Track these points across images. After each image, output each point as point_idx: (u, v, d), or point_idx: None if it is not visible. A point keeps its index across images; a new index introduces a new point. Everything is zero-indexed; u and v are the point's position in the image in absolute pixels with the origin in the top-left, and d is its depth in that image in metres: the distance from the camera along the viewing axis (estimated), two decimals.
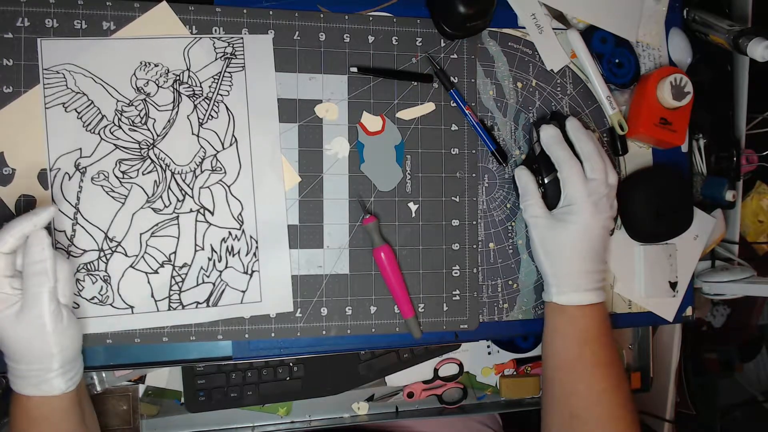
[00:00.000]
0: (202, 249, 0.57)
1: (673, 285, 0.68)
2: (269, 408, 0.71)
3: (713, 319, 0.96)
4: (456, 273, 0.63)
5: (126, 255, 0.56)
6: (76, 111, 0.55)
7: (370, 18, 0.61)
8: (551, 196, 0.59)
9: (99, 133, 0.55)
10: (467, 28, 0.61)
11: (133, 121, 0.56)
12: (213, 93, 0.58)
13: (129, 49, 0.56)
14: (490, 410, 0.77)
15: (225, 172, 0.58)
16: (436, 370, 0.74)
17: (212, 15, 0.58)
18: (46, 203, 0.54)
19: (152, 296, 0.56)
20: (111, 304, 0.55)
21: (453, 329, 0.63)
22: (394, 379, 0.73)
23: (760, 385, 1.02)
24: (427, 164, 0.62)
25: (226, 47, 0.58)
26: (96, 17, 0.56)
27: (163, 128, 0.57)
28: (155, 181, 0.56)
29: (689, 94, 0.63)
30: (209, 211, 0.57)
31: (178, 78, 0.57)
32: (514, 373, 0.76)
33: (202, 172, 0.57)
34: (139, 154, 0.56)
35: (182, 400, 0.68)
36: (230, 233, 0.57)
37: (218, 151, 0.57)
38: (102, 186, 0.55)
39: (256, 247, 0.58)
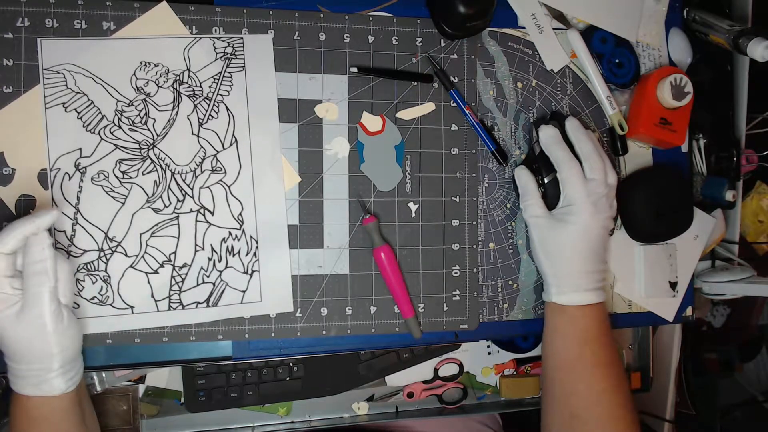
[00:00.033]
0: (202, 249, 0.57)
1: (673, 285, 0.68)
2: (269, 408, 0.71)
3: (713, 319, 0.96)
4: (456, 273, 0.63)
5: (126, 255, 0.56)
6: (76, 111, 0.55)
7: (370, 18, 0.61)
8: (551, 196, 0.59)
9: (99, 133, 0.55)
10: (467, 28, 0.61)
11: (133, 121, 0.56)
12: (213, 93, 0.58)
13: (129, 49, 0.56)
14: (490, 410, 0.77)
15: (225, 172, 0.58)
16: (436, 370, 0.74)
17: (212, 15, 0.58)
18: (46, 203, 0.54)
19: (152, 296, 0.56)
20: (111, 304, 0.55)
21: (453, 329, 0.63)
22: (394, 379, 0.73)
23: (760, 385, 1.02)
24: (427, 164, 0.62)
25: (226, 47, 0.58)
26: (96, 17, 0.56)
27: (163, 128, 0.57)
28: (155, 181, 0.56)
29: (689, 94, 0.63)
30: (209, 211, 0.57)
31: (178, 78, 0.57)
32: (514, 373, 0.76)
33: (202, 172, 0.57)
34: (139, 154, 0.56)
35: (182, 400, 0.68)
36: (230, 233, 0.57)
37: (218, 151, 0.57)
38: (102, 186, 0.55)
39: (256, 247, 0.58)
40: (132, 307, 0.56)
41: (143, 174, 0.56)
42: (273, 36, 0.59)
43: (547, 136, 0.59)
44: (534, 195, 0.60)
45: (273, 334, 0.58)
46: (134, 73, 0.56)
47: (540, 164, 0.60)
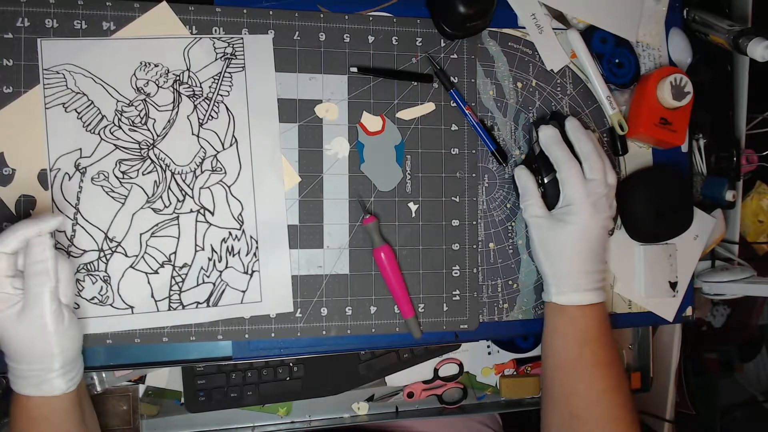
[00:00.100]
0: (203, 249, 0.57)
1: (673, 285, 0.68)
2: (269, 408, 0.71)
3: (713, 319, 0.96)
4: (456, 273, 0.63)
5: (126, 255, 0.56)
6: (76, 111, 0.55)
7: (370, 18, 0.61)
8: (551, 196, 0.59)
9: (99, 134, 0.55)
10: (467, 28, 0.61)
11: (133, 122, 0.56)
12: (213, 93, 0.58)
13: (129, 49, 0.56)
14: (490, 410, 0.77)
15: (225, 173, 0.58)
16: (436, 370, 0.74)
17: (212, 15, 0.58)
18: (46, 203, 0.54)
19: (152, 296, 0.56)
20: (111, 305, 0.55)
21: (453, 329, 0.63)
22: (394, 379, 0.73)
23: (760, 385, 1.02)
24: (427, 164, 0.62)
25: (226, 47, 0.58)
26: (96, 17, 0.56)
27: (163, 128, 0.57)
28: (155, 182, 0.56)
29: (689, 94, 0.63)
30: (209, 211, 0.57)
31: (178, 78, 0.57)
32: (514, 373, 0.76)
33: (202, 172, 0.57)
34: (139, 154, 0.56)
35: (182, 400, 0.68)
36: (230, 233, 0.57)
37: (218, 152, 0.57)
38: (102, 186, 0.55)
39: (256, 247, 0.58)
40: (132, 307, 0.56)
41: (143, 174, 0.56)
42: (273, 36, 0.59)
43: (547, 136, 0.59)
44: (534, 195, 0.60)
45: (273, 334, 0.58)
46: (134, 74, 0.56)
47: (540, 164, 0.60)
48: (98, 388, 0.65)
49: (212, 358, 0.59)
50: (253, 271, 0.58)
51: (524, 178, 0.61)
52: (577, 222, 0.56)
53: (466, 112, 0.62)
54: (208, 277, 0.57)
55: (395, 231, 0.61)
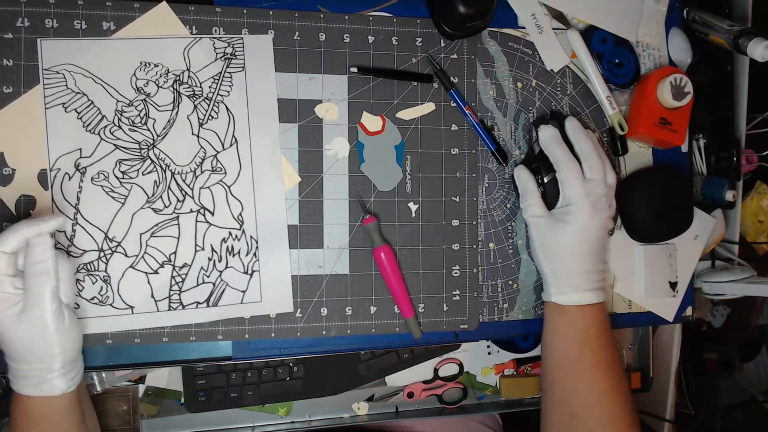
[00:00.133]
0: (203, 249, 0.57)
1: (673, 285, 0.68)
2: (269, 408, 0.71)
3: (713, 319, 0.96)
4: (456, 273, 0.63)
5: (126, 255, 0.56)
6: (76, 111, 0.55)
7: (370, 18, 0.61)
8: (550, 196, 0.59)
9: (99, 134, 0.55)
10: (467, 28, 0.61)
11: (133, 122, 0.56)
12: (213, 93, 0.58)
13: (129, 49, 0.56)
14: (490, 410, 0.77)
15: (225, 173, 0.58)
16: (436, 370, 0.74)
17: (212, 15, 0.58)
18: (46, 203, 0.54)
19: (152, 296, 0.56)
20: (111, 305, 0.55)
21: (453, 329, 0.63)
22: (394, 379, 0.73)
23: (760, 385, 1.02)
24: (427, 164, 0.62)
25: (226, 47, 0.58)
26: (96, 17, 0.56)
27: (163, 128, 0.57)
28: (155, 182, 0.56)
29: (689, 94, 0.63)
30: (209, 211, 0.57)
31: (178, 78, 0.57)
32: (514, 373, 0.76)
33: (202, 172, 0.57)
34: (139, 154, 0.56)
35: (182, 400, 0.68)
36: (230, 233, 0.57)
37: (218, 152, 0.57)
38: (102, 186, 0.55)
39: (256, 247, 0.58)
40: (132, 307, 0.56)
41: (143, 174, 0.56)
42: (273, 36, 0.59)
43: (547, 136, 0.59)
44: (534, 195, 0.60)
45: (273, 334, 0.58)
46: (134, 74, 0.56)
47: (539, 164, 0.60)
48: (98, 388, 0.65)
49: (212, 358, 0.59)
50: (253, 271, 0.58)
51: (524, 178, 0.61)
52: (577, 222, 0.56)
53: (466, 112, 0.62)
54: (208, 277, 0.57)
55: (395, 231, 0.61)
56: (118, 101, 0.56)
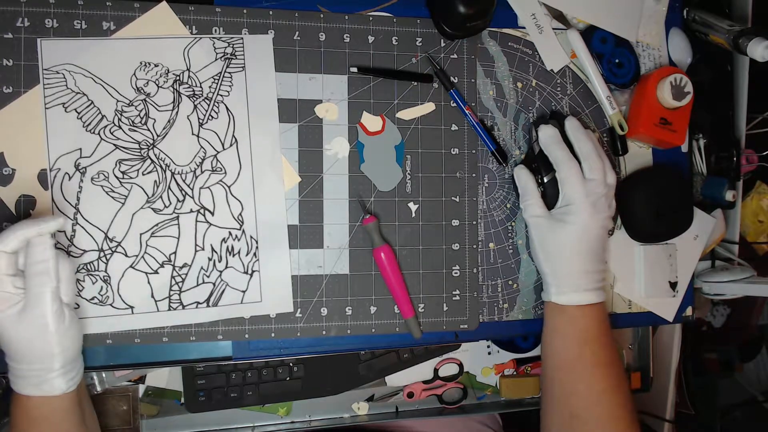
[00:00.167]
0: (203, 249, 0.57)
1: (673, 285, 0.68)
2: (269, 408, 0.71)
3: (713, 319, 0.96)
4: (456, 273, 0.63)
5: (126, 255, 0.56)
6: (76, 111, 0.55)
7: (370, 18, 0.61)
8: (550, 196, 0.59)
9: (99, 134, 0.55)
10: (467, 28, 0.61)
11: (133, 122, 0.56)
12: (213, 93, 0.58)
13: (129, 49, 0.56)
14: (490, 410, 0.77)
15: (225, 173, 0.58)
16: (436, 370, 0.74)
17: (212, 15, 0.58)
18: (46, 203, 0.54)
19: (152, 296, 0.56)
20: (111, 305, 0.55)
21: (453, 329, 0.63)
22: (394, 379, 0.73)
23: (760, 385, 1.02)
24: (427, 164, 0.62)
25: (226, 47, 0.58)
26: (96, 17, 0.56)
27: (163, 128, 0.57)
28: (155, 182, 0.56)
29: (689, 94, 0.63)
30: (209, 211, 0.57)
31: (178, 78, 0.57)
32: (514, 373, 0.76)
33: (202, 172, 0.57)
34: (139, 154, 0.56)
35: (182, 400, 0.68)
36: (230, 233, 0.57)
37: (218, 152, 0.57)
38: (102, 186, 0.55)
39: (256, 247, 0.58)
40: (132, 307, 0.56)
41: (143, 174, 0.56)
42: (273, 36, 0.59)
43: (547, 136, 0.59)
44: (533, 195, 0.60)
45: (273, 334, 0.58)
46: (134, 74, 0.56)
47: (539, 164, 0.60)
48: (98, 388, 0.65)
49: (212, 358, 0.59)
50: (253, 271, 0.58)
51: (524, 178, 0.61)
52: (577, 222, 0.56)
53: (466, 112, 0.62)
54: (208, 277, 0.57)
55: (395, 231, 0.61)
56: (118, 101, 0.56)
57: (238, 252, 0.57)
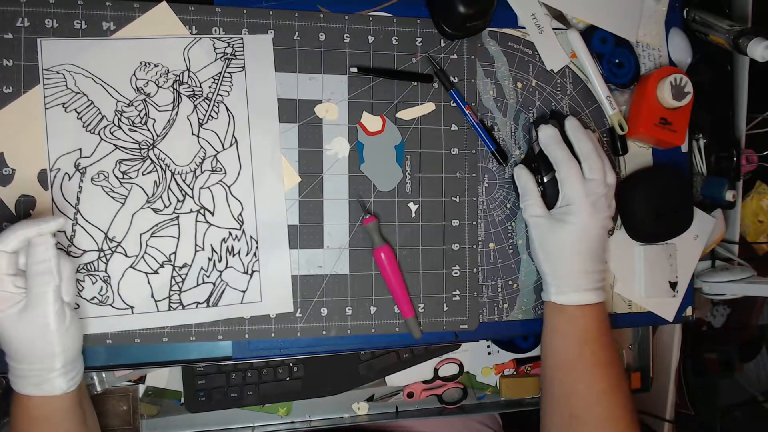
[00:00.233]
0: (203, 249, 0.57)
1: (673, 285, 0.68)
2: (269, 408, 0.71)
3: (713, 319, 0.96)
4: (456, 273, 0.63)
5: (126, 255, 0.56)
6: (76, 111, 0.55)
7: (370, 18, 0.61)
8: (550, 195, 0.59)
9: (99, 134, 0.55)
10: (467, 28, 0.61)
11: (133, 122, 0.56)
12: (213, 93, 0.58)
13: (129, 49, 0.56)
14: (490, 410, 0.77)
15: (225, 173, 0.58)
16: (436, 370, 0.74)
17: (212, 15, 0.58)
18: (46, 203, 0.54)
19: (152, 296, 0.56)
20: (111, 305, 0.55)
21: (453, 329, 0.63)
22: (394, 379, 0.73)
23: (760, 385, 1.02)
24: (427, 164, 0.62)
25: (226, 47, 0.58)
26: (96, 17, 0.56)
27: (163, 128, 0.57)
28: (155, 182, 0.56)
29: (689, 94, 0.63)
30: (209, 211, 0.57)
31: (178, 78, 0.57)
32: (514, 373, 0.76)
33: (202, 172, 0.57)
34: (139, 154, 0.56)
35: (182, 400, 0.68)
36: (230, 233, 0.57)
37: (218, 152, 0.57)
38: (102, 186, 0.55)
39: (256, 247, 0.58)
40: (132, 308, 0.56)
41: (143, 174, 0.56)
42: (273, 36, 0.59)
43: (547, 136, 0.59)
44: (533, 194, 0.60)
45: (273, 334, 0.58)
46: (134, 74, 0.56)
47: (539, 163, 0.60)
48: (98, 388, 0.65)
49: (212, 358, 0.59)
50: (253, 271, 0.58)
51: (524, 178, 0.61)
52: (577, 222, 0.56)
53: (466, 112, 0.62)
54: (208, 277, 0.57)
55: (395, 231, 0.61)
56: (118, 101, 0.56)
57: (238, 252, 0.58)
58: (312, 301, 0.59)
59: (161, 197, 0.56)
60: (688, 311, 0.70)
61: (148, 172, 0.56)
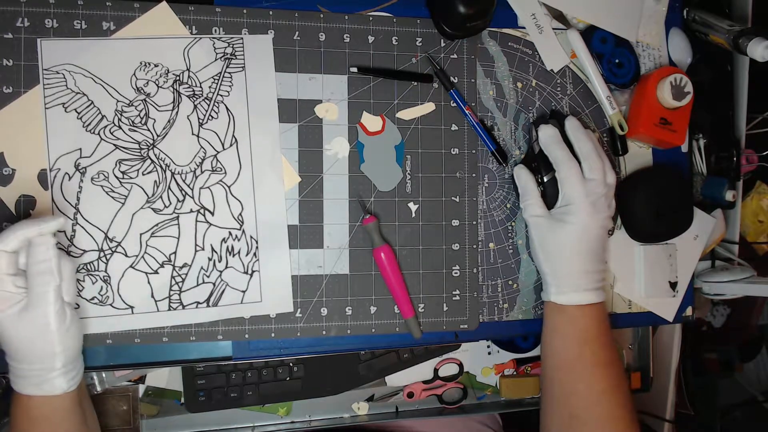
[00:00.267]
0: (203, 249, 0.57)
1: (673, 285, 0.68)
2: (269, 408, 0.71)
3: (713, 319, 0.96)
4: (456, 273, 0.63)
5: (126, 255, 0.56)
6: (76, 111, 0.55)
7: (370, 18, 0.61)
8: (550, 195, 0.59)
9: (99, 134, 0.55)
10: (467, 28, 0.61)
11: (133, 122, 0.56)
12: (213, 93, 0.58)
13: (129, 49, 0.56)
14: (490, 410, 0.77)
15: (225, 173, 0.58)
16: (436, 370, 0.74)
17: (212, 15, 0.58)
18: (46, 203, 0.54)
19: (152, 296, 0.56)
20: (111, 305, 0.55)
21: (453, 329, 0.63)
22: (394, 379, 0.73)
23: (760, 385, 1.02)
24: (427, 164, 0.62)
25: (226, 47, 0.58)
26: (96, 17, 0.56)
27: (163, 128, 0.57)
28: (155, 182, 0.56)
29: (689, 94, 0.63)
30: (209, 211, 0.57)
31: (178, 78, 0.57)
32: (514, 373, 0.76)
33: (202, 172, 0.57)
34: (139, 154, 0.56)
35: (182, 400, 0.68)
36: (230, 233, 0.57)
37: (218, 152, 0.58)
38: (102, 186, 0.55)
39: (256, 247, 0.58)
40: (132, 307, 0.56)
41: (143, 174, 0.56)
42: (273, 36, 0.59)
43: (547, 136, 0.59)
44: (533, 194, 0.60)
45: (273, 334, 0.58)
46: (134, 74, 0.56)
47: (539, 163, 0.60)
48: (98, 388, 0.65)
49: (212, 358, 0.59)
50: (253, 271, 0.58)
51: (524, 178, 0.61)
52: (576, 222, 0.56)
53: (466, 112, 0.62)
54: (208, 277, 0.57)
55: (395, 231, 0.61)
56: (118, 101, 0.56)
57: (238, 252, 0.58)
58: (312, 301, 0.59)
59: (161, 197, 0.56)
60: (688, 311, 0.70)
61: (148, 172, 0.56)
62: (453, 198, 0.63)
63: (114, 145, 0.56)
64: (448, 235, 0.62)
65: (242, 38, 0.58)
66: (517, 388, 0.75)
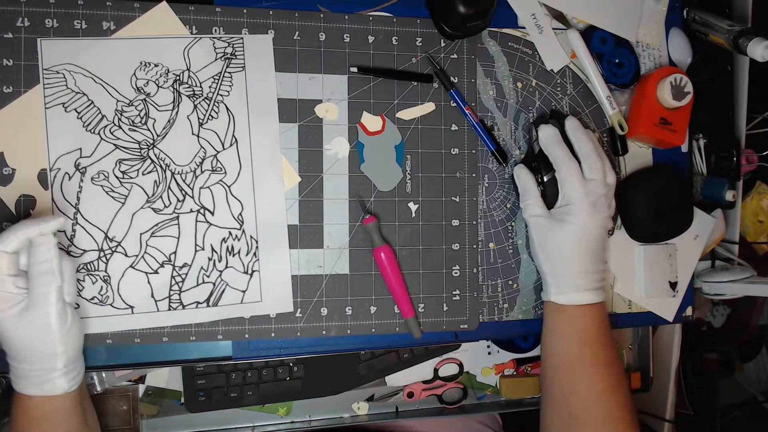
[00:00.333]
0: (203, 249, 0.57)
1: (673, 285, 0.68)
2: (269, 408, 0.71)
3: (713, 319, 0.96)
4: (456, 273, 0.63)
5: (126, 255, 0.56)
6: (76, 111, 0.55)
7: (370, 18, 0.61)
8: (550, 195, 0.59)
9: (99, 133, 0.55)
10: (467, 28, 0.61)
11: (133, 121, 0.56)
12: (213, 93, 0.58)
13: (129, 49, 0.56)
14: (490, 410, 0.77)
15: (225, 172, 0.58)
16: (436, 370, 0.74)
17: (212, 15, 0.58)
18: (46, 203, 0.54)
19: (152, 296, 0.56)
20: (111, 304, 0.55)
21: (453, 329, 0.63)
22: (394, 379, 0.73)
23: (760, 385, 1.02)
24: (427, 164, 0.62)
25: (226, 47, 0.58)
26: (96, 17, 0.56)
27: (163, 128, 0.57)
28: (155, 181, 0.56)
29: (689, 94, 0.63)
30: (209, 211, 0.57)
31: (178, 78, 0.57)
32: (514, 373, 0.76)
33: (202, 172, 0.57)
34: (139, 154, 0.56)
35: (182, 400, 0.68)
36: (230, 233, 0.57)
37: (218, 152, 0.58)
38: (102, 186, 0.55)
39: (256, 247, 0.58)
40: (132, 307, 0.56)
41: (143, 174, 0.56)
42: (273, 36, 0.59)
43: (547, 136, 0.59)
44: (533, 194, 0.60)
45: (273, 334, 0.58)
46: (134, 73, 0.56)
47: (539, 163, 0.60)
48: (98, 388, 0.65)
49: (212, 358, 0.59)
50: (253, 271, 0.58)
51: (524, 178, 0.61)
52: (576, 222, 0.56)
53: (466, 112, 0.62)
54: (208, 277, 0.57)
55: (395, 231, 0.61)
56: (118, 101, 0.56)
57: (238, 252, 0.58)
58: (312, 301, 0.59)
59: (161, 197, 0.56)
60: (688, 311, 0.70)
61: (148, 172, 0.56)
62: (453, 198, 0.63)
63: (114, 144, 0.56)
64: (448, 235, 0.62)
65: (242, 38, 0.58)
66: (517, 388, 0.75)
